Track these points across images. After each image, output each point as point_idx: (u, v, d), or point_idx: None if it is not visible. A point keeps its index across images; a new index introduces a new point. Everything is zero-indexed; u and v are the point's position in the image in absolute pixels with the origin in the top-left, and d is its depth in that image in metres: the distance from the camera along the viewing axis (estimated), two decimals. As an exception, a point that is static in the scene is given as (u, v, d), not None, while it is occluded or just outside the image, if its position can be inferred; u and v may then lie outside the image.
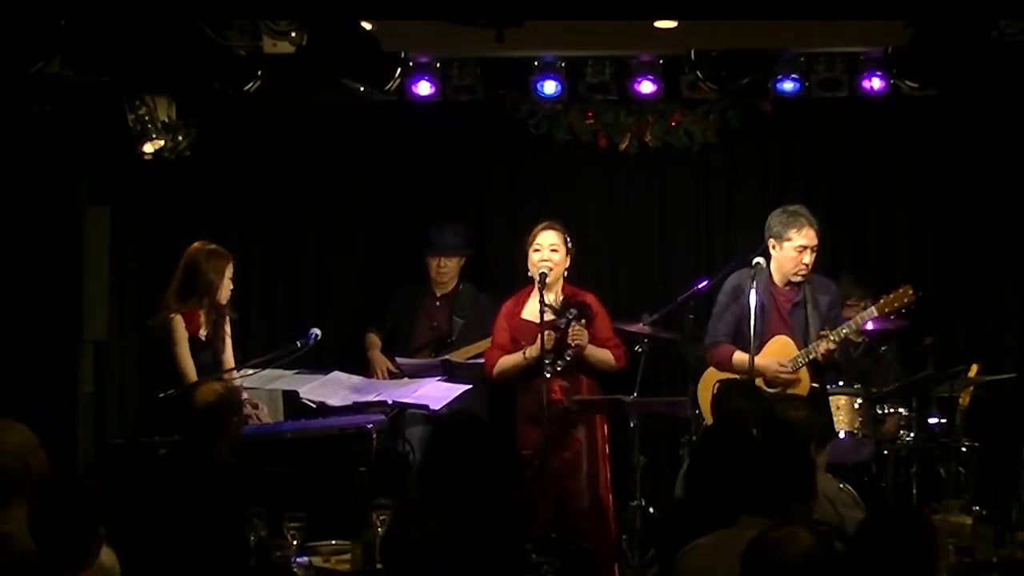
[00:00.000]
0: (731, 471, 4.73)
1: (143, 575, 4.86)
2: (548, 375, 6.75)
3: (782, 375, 6.71)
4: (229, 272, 6.88)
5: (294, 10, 6.36)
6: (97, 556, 4.18)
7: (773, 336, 6.77)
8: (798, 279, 6.85)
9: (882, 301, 6.79)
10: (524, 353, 6.96)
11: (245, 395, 6.65)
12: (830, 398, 7.02)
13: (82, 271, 7.19)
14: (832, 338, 6.67)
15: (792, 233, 6.79)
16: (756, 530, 3.69)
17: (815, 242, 6.81)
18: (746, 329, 6.72)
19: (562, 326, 6.81)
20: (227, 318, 6.93)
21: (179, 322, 6.76)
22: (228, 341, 6.92)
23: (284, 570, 5.12)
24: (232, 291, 6.92)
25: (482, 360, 7.24)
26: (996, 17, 6.37)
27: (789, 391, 6.66)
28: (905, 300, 6.75)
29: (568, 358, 6.82)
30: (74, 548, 4.06)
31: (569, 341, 6.81)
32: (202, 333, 6.84)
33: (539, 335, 6.80)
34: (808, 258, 6.81)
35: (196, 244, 6.96)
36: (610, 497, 7.00)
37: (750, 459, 4.80)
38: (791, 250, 6.80)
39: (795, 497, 4.26)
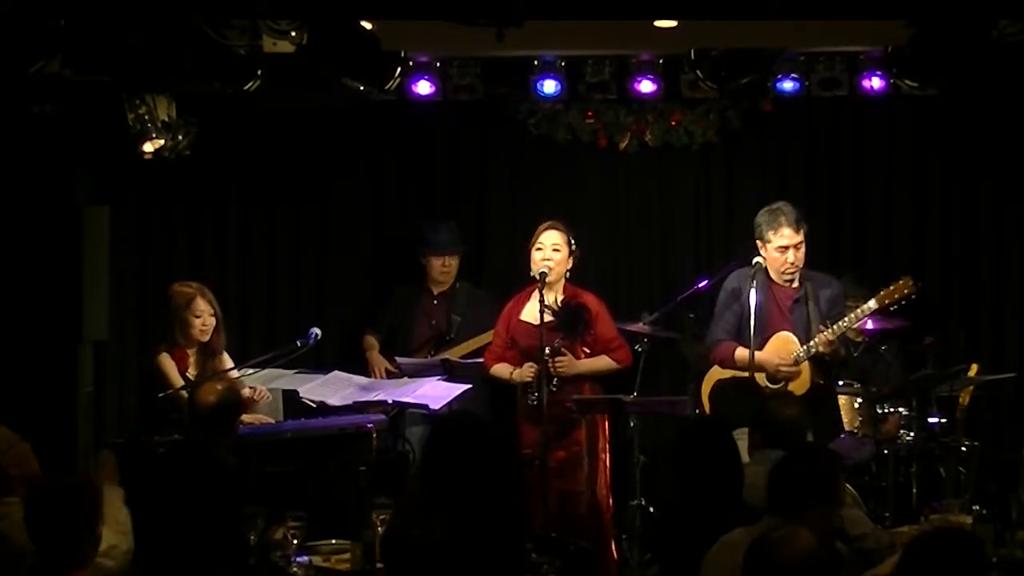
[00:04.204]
0: (714, 471, 4.75)
1: (142, 574, 4.86)
2: (533, 403, 6.79)
3: (783, 369, 6.71)
4: (198, 307, 6.86)
5: (294, 10, 6.35)
6: (94, 556, 4.18)
7: (775, 333, 6.77)
8: (787, 278, 6.84)
9: (882, 293, 6.71)
10: (511, 374, 7.00)
11: (245, 390, 6.66)
12: (830, 397, 7.03)
13: (82, 271, 7.19)
14: (832, 330, 6.65)
15: (770, 235, 6.78)
16: None
17: (796, 240, 6.77)
18: (746, 328, 6.72)
19: (547, 357, 6.79)
20: (217, 359, 6.92)
21: (166, 358, 6.82)
22: None
23: (284, 570, 5.11)
24: (217, 327, 6.89)
25: (481, 359, 7.26)
26: (996, 17, 6.36)
27: (791, 386, 6.67)
28: (905, 291, 6.68)
29: (553, 388, 6.79)
30: (71, 548, 4.06)
31: (552, 372, 6.81)
32: (191, 372, 6.84)
33: (527, 364, 6.87)
34: (792, 256, 6.78)
35: (172, 285, 7.00)
36: (610, 499, 7.00)
37: (731, 459, 4.81)
38: (773, 251, 6.80)
39: (815, 501, 4.24)
